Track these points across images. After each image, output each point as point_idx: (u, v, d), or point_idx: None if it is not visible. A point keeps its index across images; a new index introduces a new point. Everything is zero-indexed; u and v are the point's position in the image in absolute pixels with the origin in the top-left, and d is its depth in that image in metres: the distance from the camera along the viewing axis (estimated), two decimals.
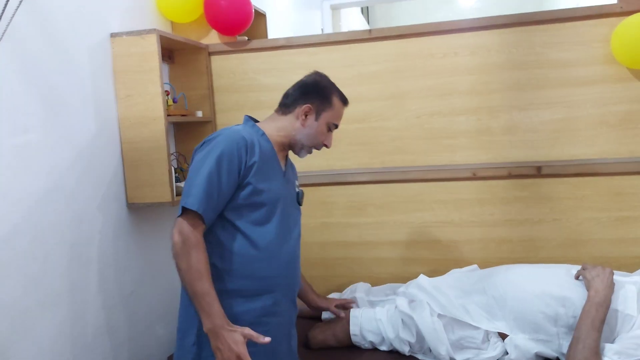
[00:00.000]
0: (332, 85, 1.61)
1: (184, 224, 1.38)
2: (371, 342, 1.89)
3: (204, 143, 1.47)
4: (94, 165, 1.82)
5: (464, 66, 2.14)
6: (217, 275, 1.44)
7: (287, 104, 1.58)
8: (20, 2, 1.23)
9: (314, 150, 1.62)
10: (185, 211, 1.38)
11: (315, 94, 1.56)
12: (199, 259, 1.37)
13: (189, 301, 1.43)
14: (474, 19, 2.13)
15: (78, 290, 1.73)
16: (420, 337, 1.79)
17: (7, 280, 1.46)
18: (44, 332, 1.58)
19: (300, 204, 1.66)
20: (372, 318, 1.88)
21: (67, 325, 1.68)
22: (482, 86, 2.13)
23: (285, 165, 1.62)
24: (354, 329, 1.89)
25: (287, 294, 1.57)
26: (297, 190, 1.66)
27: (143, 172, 1.95)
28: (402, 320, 1.83)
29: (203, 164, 1.40)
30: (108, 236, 1.88)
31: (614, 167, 2.00)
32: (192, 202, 1.37)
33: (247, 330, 1.37)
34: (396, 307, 1.88)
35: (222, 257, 1.46)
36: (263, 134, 1.54)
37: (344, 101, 1.61)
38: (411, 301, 1.87)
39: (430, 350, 1.79)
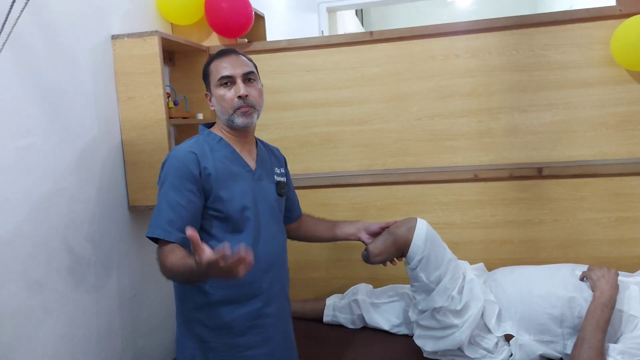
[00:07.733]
0: (211, 58, 1.55)
1: (157, 250, 1.40)
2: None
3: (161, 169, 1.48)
4: (95, 167, 1.81)
5: (465, 68, 2.15)
6: (200, 288, 1.47)
7: None
8: (25, 5, 1.22)
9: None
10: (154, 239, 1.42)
11: (204, 81, 1.57)
12: (165, 264, 1.34)
13: (184, 319, 1.50)
14: (475, 21, 2.14)
15: (81, 293, 1.72)
16: (465, 308, 1.71)
17: (10, 284, 1.45)
18: (47, 335, 1.57)
19: (281, 194, 1.60)
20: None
21: (70, 328, 1.67)
22: (483, 88, 2.14)
23: (256, 160, 1.57)
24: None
25: (276, 294, 1.56)
26: (276, 179, 1.61)
27: (145, 174, 1.94)
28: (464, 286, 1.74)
29: (160, 193, 1.43)
30: (110, 239, 1.87)
31: (613, 168, 2.02)
32: (152, 231, 1.39)
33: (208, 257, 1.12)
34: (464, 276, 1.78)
35: None
36: (220, 139, 1.52)
37: (219, 54, 1.52)
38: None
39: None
